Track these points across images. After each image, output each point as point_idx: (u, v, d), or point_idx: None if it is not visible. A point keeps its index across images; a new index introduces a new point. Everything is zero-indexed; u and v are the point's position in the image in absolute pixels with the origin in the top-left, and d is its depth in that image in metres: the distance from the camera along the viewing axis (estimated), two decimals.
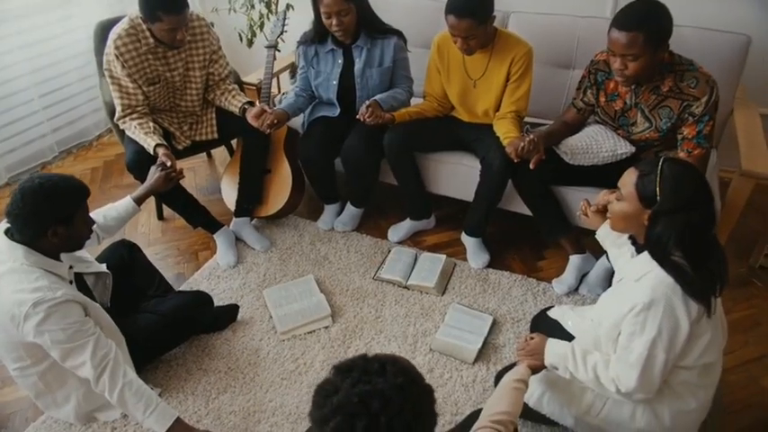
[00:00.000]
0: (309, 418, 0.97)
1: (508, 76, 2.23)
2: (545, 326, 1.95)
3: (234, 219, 2.58)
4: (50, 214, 1.54)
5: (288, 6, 3.07)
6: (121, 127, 2.32)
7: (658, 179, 1.37)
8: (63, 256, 1.68)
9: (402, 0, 2.72)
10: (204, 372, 1.97)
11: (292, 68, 2.93)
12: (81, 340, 1.57)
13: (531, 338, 1.66)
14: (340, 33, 2.26)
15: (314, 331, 2.12)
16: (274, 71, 2.75)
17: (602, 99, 2.10)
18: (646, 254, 1.44)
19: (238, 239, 2.55)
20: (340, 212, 2.68)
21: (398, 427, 0.89)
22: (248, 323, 2.16)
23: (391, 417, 0.89)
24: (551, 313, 1.94)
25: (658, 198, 1.37)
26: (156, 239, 2.64)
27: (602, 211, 1.84)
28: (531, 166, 2.01)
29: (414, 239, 2.61)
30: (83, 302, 1.63)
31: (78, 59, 3.19)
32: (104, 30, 2.54)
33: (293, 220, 2.70)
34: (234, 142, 2.78)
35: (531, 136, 2.01)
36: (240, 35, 3.09)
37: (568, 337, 1.73)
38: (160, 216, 2.76)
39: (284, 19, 2.64)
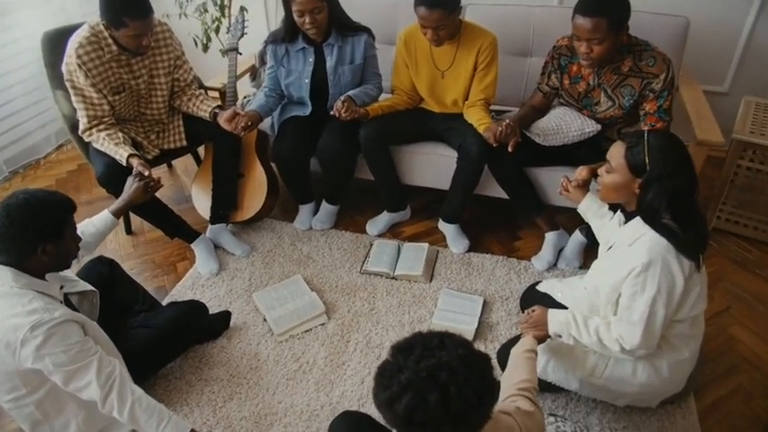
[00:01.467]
0: (375, 402, 0.99)
1: (476, 65, 2.31)
2: (535, 300, 2.04)
3: (209, 226, 2.53)
4: (40, 231, 1.47)
5: (242, 9, 3.03)
6: (87, 139, 2.23)
7: (646, 149, 1.48)
8: (49, 276, 1.61)
9: None
10: (206, 382, 1.93)
11: (252, 71, 2.89)
12: (84, 360, 1.50)
13: (533, 311, 1.74)
14: (313, 31, 2.26)
15: (310, 330, 2.12)
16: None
17: (567, 82, 2.23)
18: (637, 219, 1.56)
19: (217, 247, 2.50)
20: (315, 211, 2.69)
21: (468, 395, 0.93)
22: (242, 328, 2.13)
23: (460, 386, 0.93)
24: (540, 287, 2.04)
25: (648, 167, 1.48)
26: (129, 255, 2.54)
27: (582, 186, 1.96)
28: (510, 150, 2.10)
29: (392, 231, 2.66)
30: (81, 321, 1.56)
31: (22, 72, 3.01)
32: (53, 40, 2.43)
33: (269, 223, 2.68)
34: (201, 150, 2.71)
35: (508, 121, 2.10)
36: (195, 40, 3.02)
37: (559, 308, 1.82)
38: (128, 230, 2.66)
39: (243, 21, 2.61)
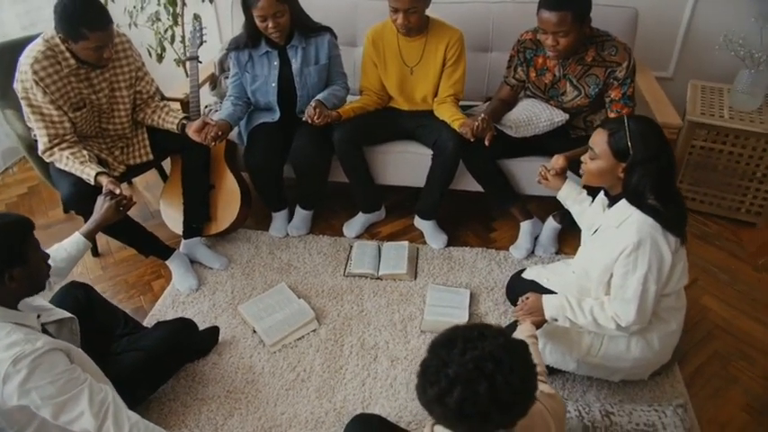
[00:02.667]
0: (422, 399, 0.99)
1: (444, 61, 2.34)
2: (522, 288, 2.11)
3: (183, 241, 2.45)
4: (3, 259, 1.38)
5: (196, 16, 2.95)
6: (49, 160, 2.11)
7: (628, 134, 1.56)
8: (22, 305, 1.52)
9: (317, 1, 2.73)
10: (202, 401, 1.87)
11: (212, 80, 2.82)
12: (74, 390, 1.42)
13: (527, 299, 1.79)
14: (277, 35, 2.23)
15: (302, 337, 2.09)
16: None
17: (533, 74, 2.30)
18: (622, 202, 1.63)
19: (193, 261, 2.42)
20: (290, 218, 2.65)
21: (514, 382, 0.95)
22: (232, 343, 2.08)
23: (506, 375, 0.95)
24: (526, 275, 2.10)
25: (631, 151, 1.55)
26: (99, 278, 2.43)
27: (560, 174, 2.03)
28: (487, 144, 2.14)
29: (369, 232, 2.66)
30: (66, 349, 1.48)
31: None
32: None
33: (244, 233, 2.62)
34: (166, 163, 2.61)
35: (483, 115, 2.15)
36: (149, 50, 2.91)
37: (547, 293, 1.88)
38: (95, 252, 2.54)
39: (201, 28, 2.54)
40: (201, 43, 2.54)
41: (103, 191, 1.98)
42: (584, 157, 1.69)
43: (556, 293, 1.82)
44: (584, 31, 2.05)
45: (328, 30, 2.39)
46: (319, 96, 2.34)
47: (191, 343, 1.93)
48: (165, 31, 2.90)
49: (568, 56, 2.14)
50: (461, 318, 2.10)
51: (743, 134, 2.45)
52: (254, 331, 2.10)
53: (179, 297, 2.28)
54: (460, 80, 2.38)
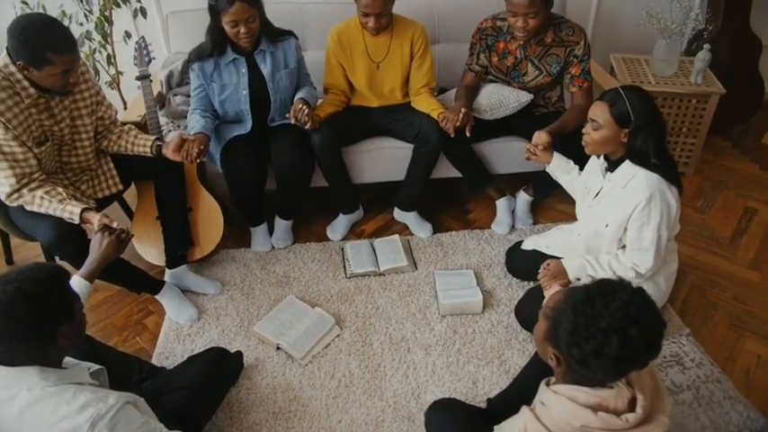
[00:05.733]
0: (578, 356, 1.07)
1: (411, 54, 2.42)
2: (522, 259, 2.27)
3: (168, 271, 2.29)
4: (52, 316, 1.24)
5: (127, 34, 2.76)
6: (16, 203, 1.88)
7: (627, 103, 1.73)
8: (66, 362, 1.38)
9: (269, 7, 2.67)
10: (250, 428, 1.78)
11: (159, 100, 2.64)
12: None
13: (548, 265, 1.92)
14: (247, 40, 2.16)
15: (329, 344, 2.06)
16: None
17: (495, 59, 2.44)
18: (626, 164, 1.81)
19: (183, 291, 2.27)
20: (268, 231, 2.58)
21: (655, 321, 1.06)
22: (257, 365, 2.00)
23: (648, 316, 1.05)
24: (525, 246, 2.25)
25: (632, 117, 1.73)
26: None
27: (548, 149, 2.18)
28: (468, 134, 2.26)
29: (353, 232, 2.66)
30: (132, 401, 1.37)
31: None
32: None
33: (226, 253, 2.50)
34: (129, 193, 2.42)
35: (465, 109, 2.26)
36: None
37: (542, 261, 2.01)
38: None
39: (146, 45, 2.38)
40: (150, 60, 2.38)
41: (96, 226, 1.80)
42: (586, 129, 1.84)
43: (558, 258, 1.97)
44: (548, 12, 2.22)
45: (292, 33, 2.36)
46: (301, 95, 2.31)
47: (231, 369, 1.82)
48: (94, 51, 2.67)
49: (531, 37, 2.30)
50: (476, 296, 2.19)
51: (669, 96, 2.79)
52: (278, 348, 2.04)
53: (182, 330, 2.14)
54: (430, 70, 2.46)
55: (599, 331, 1.04)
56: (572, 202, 2.13)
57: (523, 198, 2.66)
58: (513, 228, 2.64)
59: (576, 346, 1.07)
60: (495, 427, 1.33)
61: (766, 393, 1.88)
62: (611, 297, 1.07)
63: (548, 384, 1.28)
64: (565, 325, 1.10)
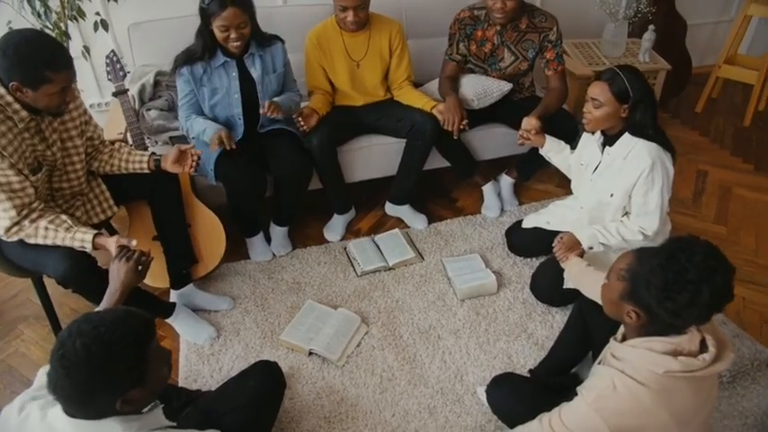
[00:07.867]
0: (671, 309, 1.17)
1: (390, 51, 2.46)
2: (525, 237, 2.39)
3: (175, 292, 2.18)
4: (134, 364, 1.09)
5: (86, 48, 2.59)
6: (16, 237, 1.72)
7: (625, 80, 1.87)
8: None
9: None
10: None
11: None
12: None
13: (562, 238, 2.04)
14: (238, 45, 2.11)
15: (360, 343, 2.06)
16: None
17: (473, 47, 2.53)
18: (625, 136, 1.95)
19: (195, 310, 2.18)
20: (266, 240, 2.52)
21: (730, 267, 1.17)
22: (294, 373, 1.96)
23: (725, 265, 1.17)
24: (526, 224, 2.37)
25: (631, 93, 1.87)
26: None
27: (540, 132, 2.30)
28: (463, 127, 2.36)
29: (350, 231, 2.67)
30: None
31: None
32: None
33: (227, 267, 2.42)
34: (118, 216, 2.27)
35: (459, 107, 2.36)
36: None
37: (545, 240, 2.14)
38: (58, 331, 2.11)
39: (118, 60, 2.25)
40: (125, 74, 2.26)
41: (114, 252, 1.69)
42: (586, 108, 1.97)
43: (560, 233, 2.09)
44: None
45: (278, 38, 2.33)
46: (276, 99, 2.28)
47: (283, 381, 1.77)
48: None
49: (507, 22, 2.41)
50: (488, 277, 2.27)
51: None
52: (310, 353, 2.01)
53: (203, 350, 2.05)
54: (409, 65, 2.53)
55: (689, 283, 1.14)
56: (550, 181, 2.27)
57: (507, 181, 2.78)
58: (502, 210, 2.75)
59: (669, 299, 1.16)
60: (578, 389, 1.40)
61: (759, 328, 2.11)
62: (689, 252, 1.17)
63: (620, 341, 1.37)
64: (654, 282, 1.19)
